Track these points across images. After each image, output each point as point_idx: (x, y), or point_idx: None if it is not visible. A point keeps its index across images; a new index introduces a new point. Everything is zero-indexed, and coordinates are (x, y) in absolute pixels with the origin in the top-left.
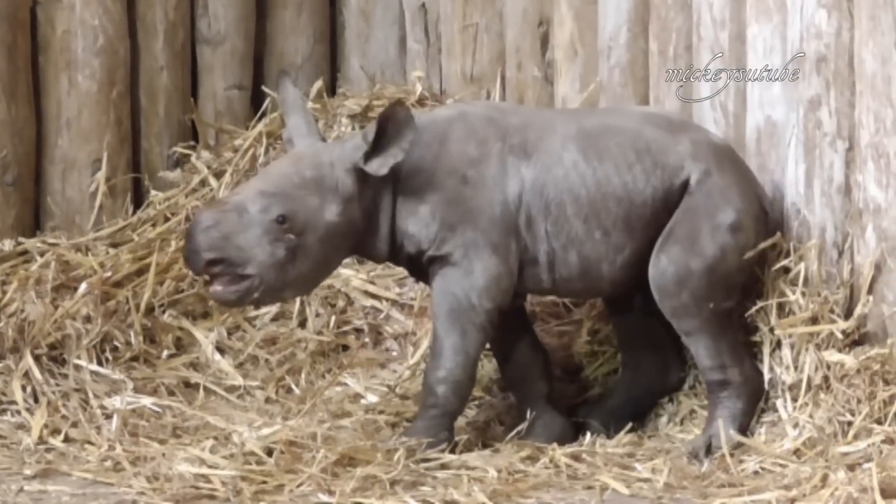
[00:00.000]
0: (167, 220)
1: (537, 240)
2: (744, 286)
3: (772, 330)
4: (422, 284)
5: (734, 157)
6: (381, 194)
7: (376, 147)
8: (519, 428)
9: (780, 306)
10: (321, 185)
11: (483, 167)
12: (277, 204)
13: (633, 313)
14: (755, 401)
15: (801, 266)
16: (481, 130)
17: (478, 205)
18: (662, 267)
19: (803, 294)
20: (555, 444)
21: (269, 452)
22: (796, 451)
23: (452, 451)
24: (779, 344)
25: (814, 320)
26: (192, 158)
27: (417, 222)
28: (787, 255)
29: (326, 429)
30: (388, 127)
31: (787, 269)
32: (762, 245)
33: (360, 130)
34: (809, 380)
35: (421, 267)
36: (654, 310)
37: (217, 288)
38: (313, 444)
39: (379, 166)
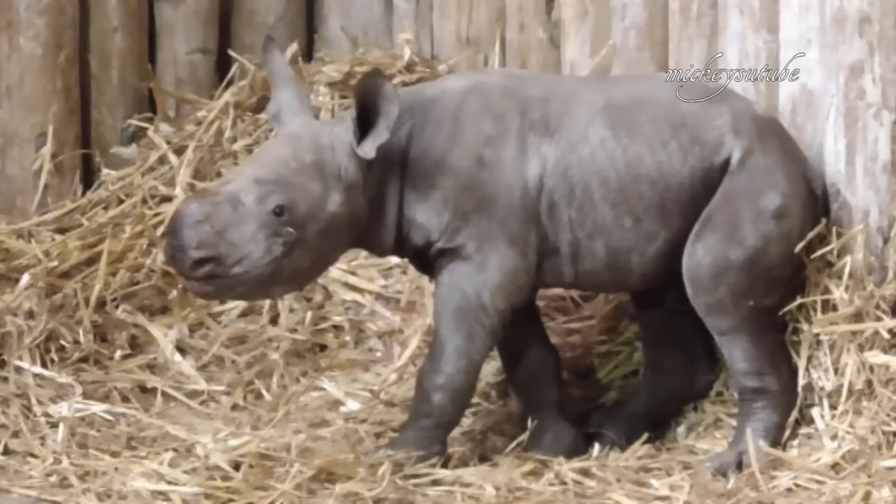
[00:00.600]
0: (121, 202)
1: (560, 228)
2: (788, 281)
3: (811, 329)
4: (409, 275)
5: (780, 131)
6: (387, 179)
7: (363, 126)
8: (520, 438)
9: (821, 302)
10: (323, 170)
11: (500, 147)
12: (275, 193)
13: (659, 308)
14: (790, 412)
15: (847, 257)
16: (498, 104)
17: (494, 190)
18: (698, 257)
19: (847, 288)
20: (560, 458)
21: (237, 466)
22: (835, 466)
23: (445, 466)
24: (818, 344)
25: (857, 317)
26: (150, 132)
27: (427, 210)
28: (828, 243)
29: (302, 440)
30: (367, 101)
31: (828, 261)
32: (810, 234)
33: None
34: (850, 384)
35: (428, 260)
36: (688, 309)
37: (197, 280)
38: (287, 456)
39: (368, 149)
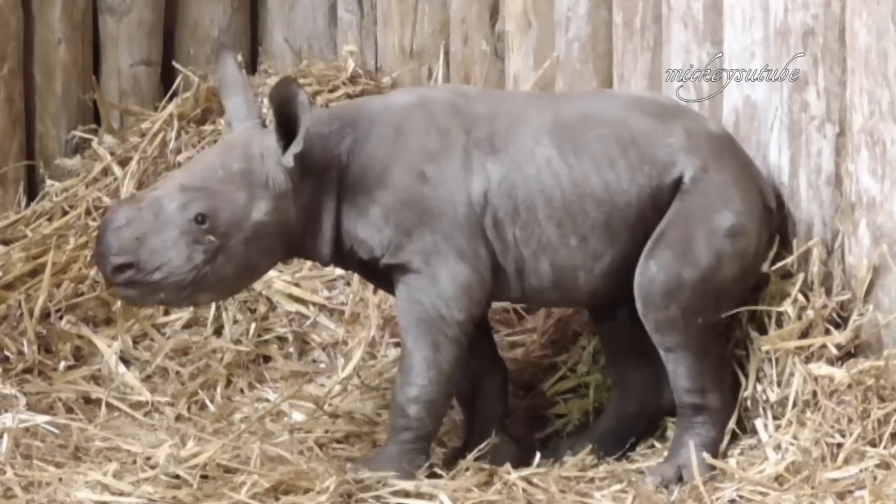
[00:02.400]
0: (65, 213)
1: (505, 246)
2: (739, 298)
3: (760, 345)
4: (353, 287)
5: (734, 147)
6: (323, 190)
7: (288, 134)
8: (479, 450)
9: (774, 314)
10: (250, 179)
11: (444, 162)
12: (197, 201)
13: (618, 322)
14: (725, 427)
15: (799, 274)
16: (443, 120)
17: (437, 206)
18: (651, 275)
19: (795, 300)
20: (508, 467)
21: (178, 476)
22: (778, 478)
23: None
24: (765, 357)
25: (806, 331)
26: (94, 144)
27: (368, 226)
28: (782, 256)
29: (256, 451)
30: (286, 110)
31: (786, 272)
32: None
33: None
34: (796, 396)
35: (376, 272)
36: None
37: (119, 285)
38: (245, 468)
39: (287, 158)
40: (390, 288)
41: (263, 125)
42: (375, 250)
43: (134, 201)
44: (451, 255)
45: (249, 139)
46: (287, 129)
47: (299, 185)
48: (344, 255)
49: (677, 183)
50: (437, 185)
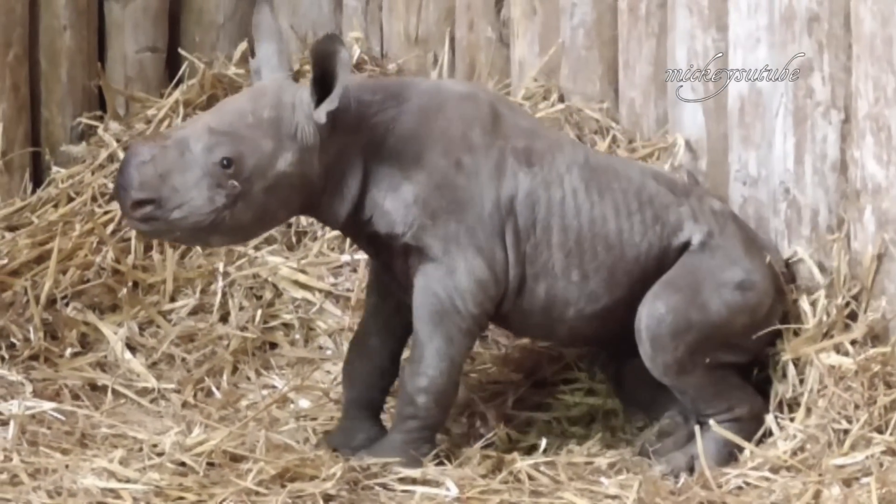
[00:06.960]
0: (71, 200)
1: (516, 258)
2: (753, 346)
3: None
4: (359, 273)
5: (738, 221)
6: (352, 153)
7: (324, 89)
8: (486, 439)
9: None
10: (278, 128)
11: (481, 157)
12: (224, 144)
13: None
14: (751, 438)
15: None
16: (489, 119)
17: (468, 197)
18: (659, 315)
19: (815, 302)
20: (515, 455)
21: (184, 464)
22: (785, 464)
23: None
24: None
25: (827, 331)
26: (99, 130)
27: (396, 200)
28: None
29: (265, 438)
30: (325, 65)
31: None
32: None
33: None
34: (803, 383)
35: (385, 247)
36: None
37: (136, 219)
38: (250, 455)
39: (320, 114)
40: (389, 263)
41: (295, 79)
42: (397, 226)
43: (160, 139)
44: (469, 249)
45: (282, 88)
46: (323, 84)
47: (327, 143)
48: (358, 223)
49: (685, 246)
50: (471, 176)
